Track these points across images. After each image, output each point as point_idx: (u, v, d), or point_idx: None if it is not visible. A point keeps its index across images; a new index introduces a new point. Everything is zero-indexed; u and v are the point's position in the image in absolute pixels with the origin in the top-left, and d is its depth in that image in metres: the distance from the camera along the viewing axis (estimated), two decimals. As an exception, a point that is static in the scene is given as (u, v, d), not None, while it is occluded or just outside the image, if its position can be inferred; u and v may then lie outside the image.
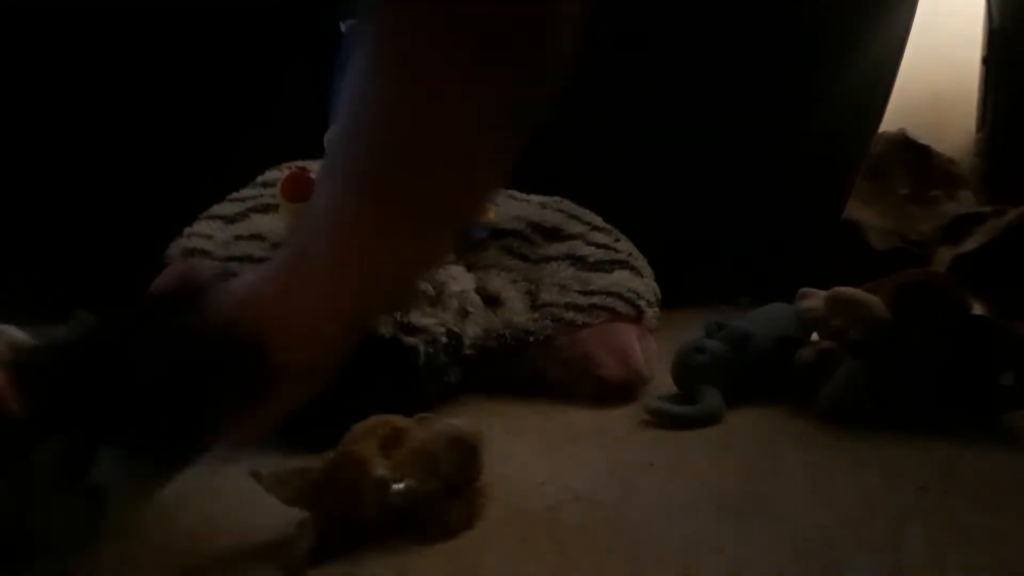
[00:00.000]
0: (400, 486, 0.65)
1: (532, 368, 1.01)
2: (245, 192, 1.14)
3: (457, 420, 0.71)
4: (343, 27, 0.98)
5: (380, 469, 0.65)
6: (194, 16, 1.23)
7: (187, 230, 1.11)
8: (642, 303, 1.06)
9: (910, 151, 1.53)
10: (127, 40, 1.23)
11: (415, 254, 0.63)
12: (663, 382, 1.00)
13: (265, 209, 1.11)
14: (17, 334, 0.76)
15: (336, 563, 0.63)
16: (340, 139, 0.59)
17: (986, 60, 1.57)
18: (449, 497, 0.68)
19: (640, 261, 1.11)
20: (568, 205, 1.14)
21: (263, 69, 1.23)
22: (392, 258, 0.61)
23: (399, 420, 0.70)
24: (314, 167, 1.05)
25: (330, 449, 0.68)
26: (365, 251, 0.59)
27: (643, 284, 1.08)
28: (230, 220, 1.11)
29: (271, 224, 1.08)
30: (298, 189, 1.00)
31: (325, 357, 0.64)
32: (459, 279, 1.00)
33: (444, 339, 0.94)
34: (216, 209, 1.13)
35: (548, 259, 1.08)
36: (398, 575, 0.62)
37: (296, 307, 0.60)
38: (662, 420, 0.92)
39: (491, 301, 1.04)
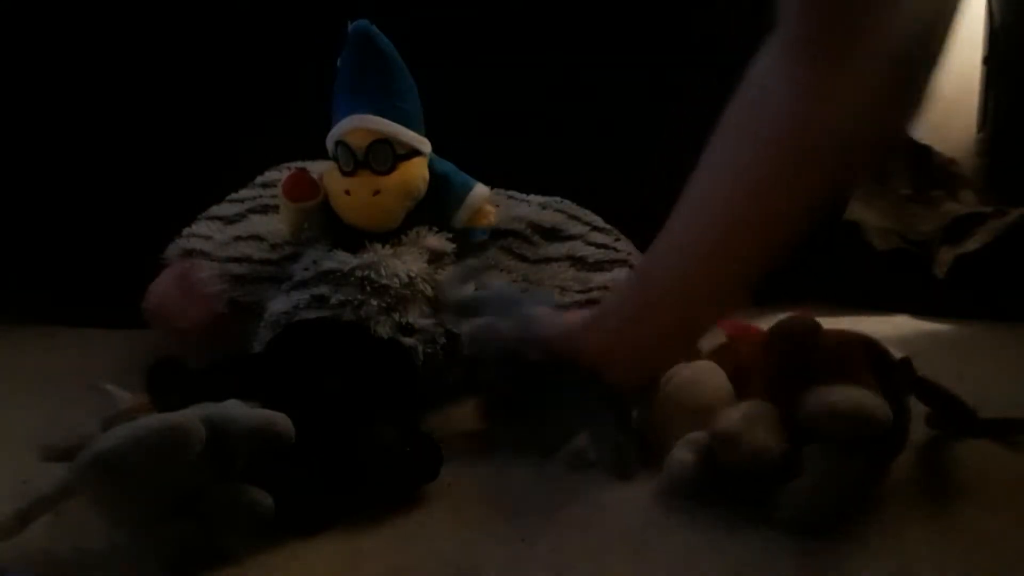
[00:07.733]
0: None
1: (532, 368, 1.01)
2: (244, 193, 1.15)
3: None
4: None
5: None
6: (193, 15, 1.23)
7: (186, 231, 1.11)
8: (642, 303, 1.05)
9: (911, 151, 1.52)
10: (127, 39, 1.23)
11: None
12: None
13: (264, 210, 1.11)
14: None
15: (336, 560, 0.63)
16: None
17: (987, 60, 1.56)
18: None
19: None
20: (568, 205, 1.14)
21: (263, 69, 1.23)
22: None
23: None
24: (314, 167, 1.04)
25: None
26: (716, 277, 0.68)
27: (643, 284, 1.07)
28: (229, 221, 1.11)
29: (270, 225, 1.08)
30: (299, 189, 1.00)
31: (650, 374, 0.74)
32: (458, 280, 1.00)
33: (443, 339, 0.94)
34: (215, 210, 1.13)
35: (548, 260, 1.08)
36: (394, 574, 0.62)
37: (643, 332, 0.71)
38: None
39: (491, 302, 1.04)
